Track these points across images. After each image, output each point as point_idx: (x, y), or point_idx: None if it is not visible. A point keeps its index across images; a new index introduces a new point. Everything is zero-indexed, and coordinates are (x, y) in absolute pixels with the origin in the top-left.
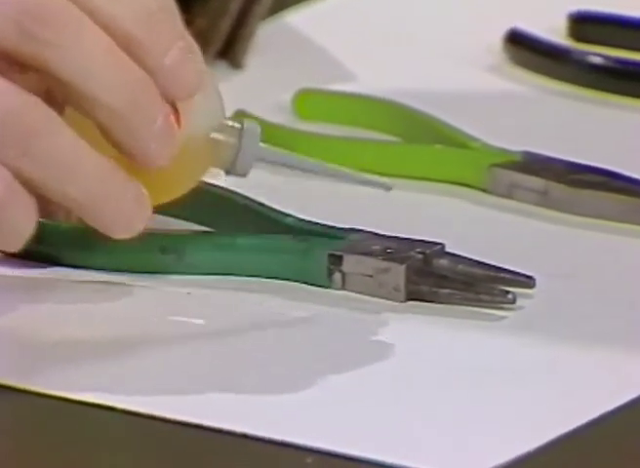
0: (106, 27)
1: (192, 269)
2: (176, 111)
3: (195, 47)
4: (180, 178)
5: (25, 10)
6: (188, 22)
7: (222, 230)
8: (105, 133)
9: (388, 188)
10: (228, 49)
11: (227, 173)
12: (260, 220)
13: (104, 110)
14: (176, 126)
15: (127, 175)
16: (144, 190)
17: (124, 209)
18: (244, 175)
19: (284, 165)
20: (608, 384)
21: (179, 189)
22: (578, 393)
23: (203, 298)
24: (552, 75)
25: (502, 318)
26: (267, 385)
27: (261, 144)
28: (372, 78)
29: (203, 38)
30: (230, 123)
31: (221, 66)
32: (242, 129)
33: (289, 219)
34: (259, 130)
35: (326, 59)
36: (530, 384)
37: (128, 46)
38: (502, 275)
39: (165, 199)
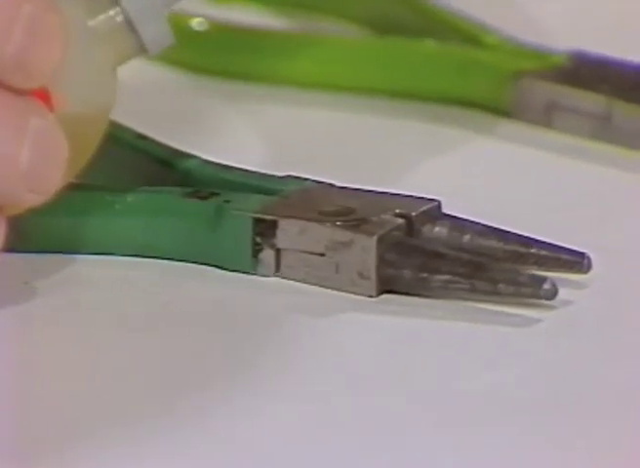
0: None
1: (33, 245)
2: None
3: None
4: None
5: None
6: None
7: (88, 182)
8: None
9: None
10: None
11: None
12: (145, 164)
13: None
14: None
15: None
16: None
17: None
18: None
19: None
20: None
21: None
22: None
23: (48, 292)
24: None
25: (536, 321)
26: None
27: None
28: None
29: None
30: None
31: None
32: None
33: (191, 162)
34: None
35: None
36: (580, 425)
37: None
38: (536, 251)
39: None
